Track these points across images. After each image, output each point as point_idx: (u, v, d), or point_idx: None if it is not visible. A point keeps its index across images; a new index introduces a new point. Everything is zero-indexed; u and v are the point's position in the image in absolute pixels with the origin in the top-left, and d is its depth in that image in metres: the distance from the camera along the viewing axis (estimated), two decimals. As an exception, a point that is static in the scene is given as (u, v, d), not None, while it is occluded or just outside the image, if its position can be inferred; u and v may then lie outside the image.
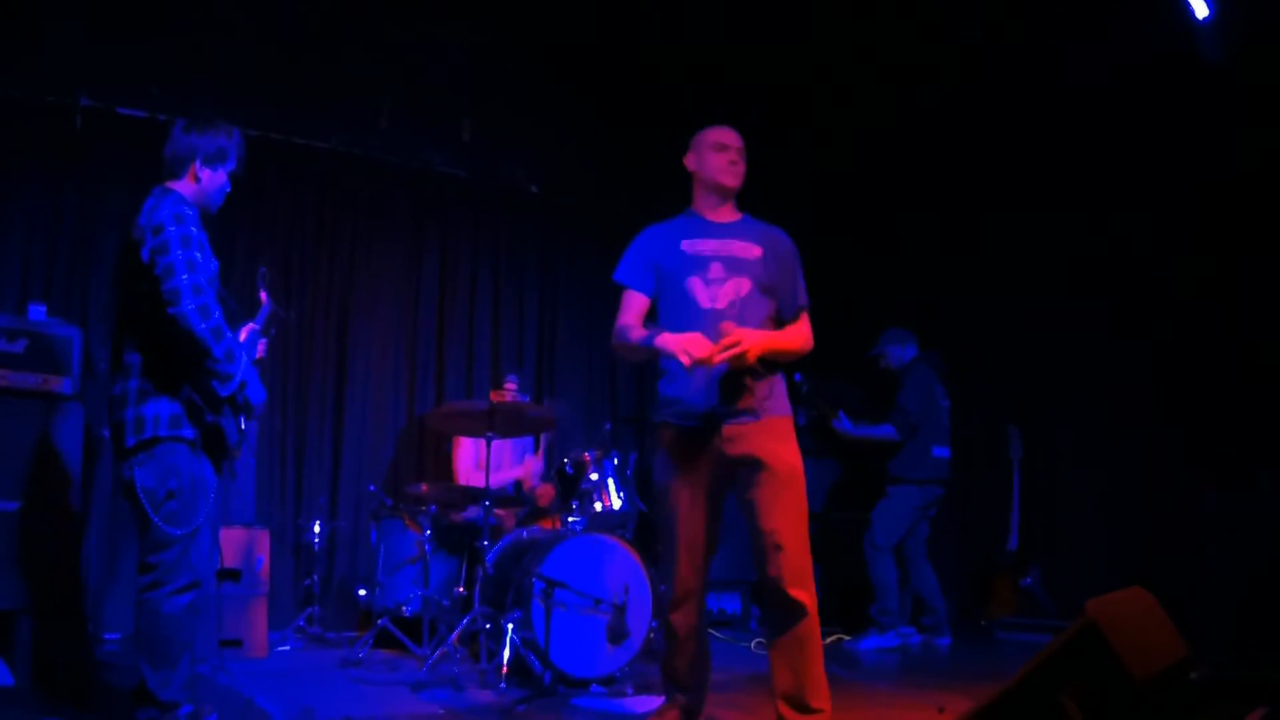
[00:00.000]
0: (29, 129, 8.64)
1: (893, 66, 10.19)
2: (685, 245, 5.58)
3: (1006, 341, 10.66)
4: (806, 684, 5.30)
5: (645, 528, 9.05)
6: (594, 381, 11.48)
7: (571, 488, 8.13)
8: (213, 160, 5.42)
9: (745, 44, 10.04)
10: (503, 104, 10.50)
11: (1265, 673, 6.45)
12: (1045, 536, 10.35)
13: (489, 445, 7.78)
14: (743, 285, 5.48)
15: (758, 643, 8.96)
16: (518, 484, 9.55)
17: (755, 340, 5.19)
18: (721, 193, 5.69)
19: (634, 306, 5.68)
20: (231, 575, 7.73)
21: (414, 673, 7.19)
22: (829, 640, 9.45)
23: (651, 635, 7.59)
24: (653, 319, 5.68)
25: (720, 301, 5.43)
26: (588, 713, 6.46)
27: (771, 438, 5.41)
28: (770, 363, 5.43)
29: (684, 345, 5.11)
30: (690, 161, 5.80)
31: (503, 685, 6.76)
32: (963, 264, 11.00)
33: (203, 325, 4.86)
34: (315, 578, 8.86)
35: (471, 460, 9.39)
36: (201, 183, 5.40)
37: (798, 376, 9.95)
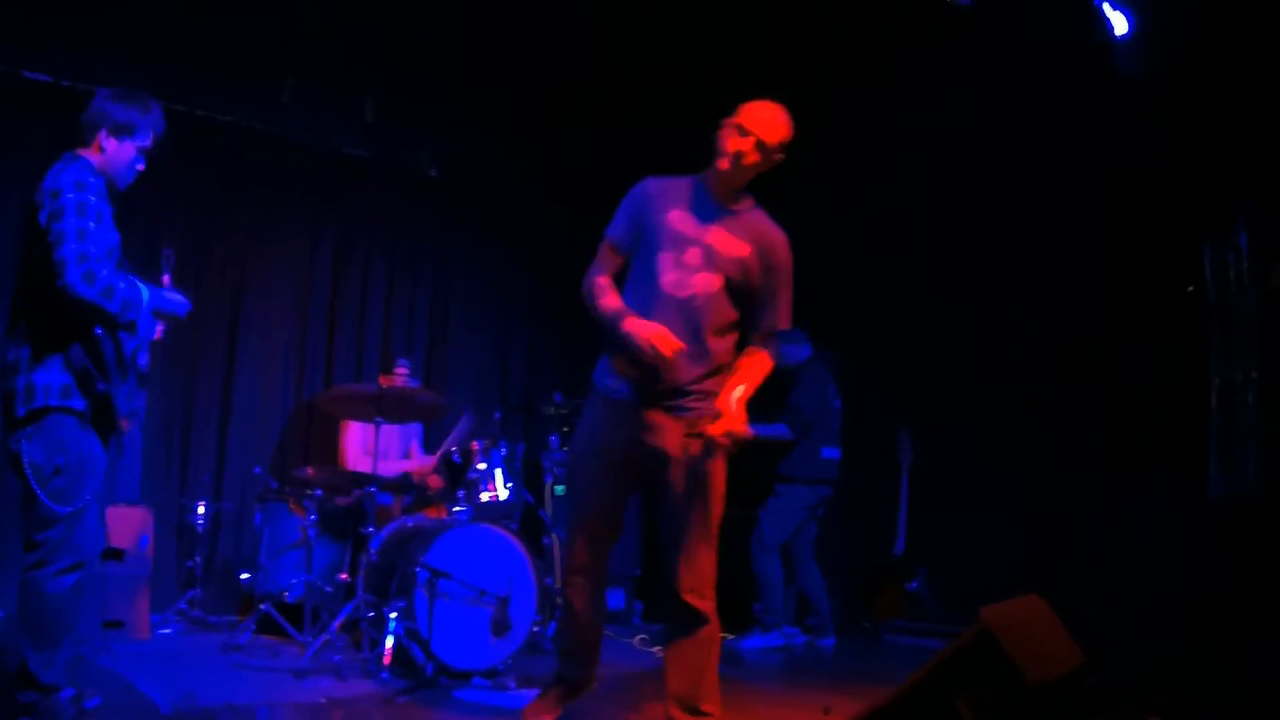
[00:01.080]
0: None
1: (800, 67, 10.23)
2: (674, 215, 5.39)
3: (898, 345, 10.72)
4: (700, 688, 5.30)
5: (532, 519, 9.07)
6: (484, 371, 11.43)
7: (459, 477, 8.12)
8: (119, 131, 5.32)
9: (656, 42, 10.06)
10: (409, 85, 10.44)
11: (1156, 680, 6.58)
12: (932, 541, 10.43)
13: (378, 430, 7.75)
14: (714, 282, 5.30)
15: (640, 639, 9.01)
16: (406, 474, 9.49)
17: (741, 426, 5.11)
18: (721, 177, 5.44)
19: (609, 262, 5.52)
20: (115, 555, 7.62)
21: (296, 660, 7.14)
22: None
23: (535, 629, 7.61)
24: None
25: (684, 291, 5.26)
26: (470, 705, 6.49)
27: (692, 435, 5.28)
28: (708, 373, 5.35)
29: (651, 340, 5.00)
30: (727, 133, 5.41)
31: (385, 675, 6.75)
32: (858, 268, 11.05)
33: (90, 291, 4.77)
34: (198, 559, 8.78)
35: (359, 445, 9.31)
36: (107, 153, 5.30)
37: None
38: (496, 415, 9.00)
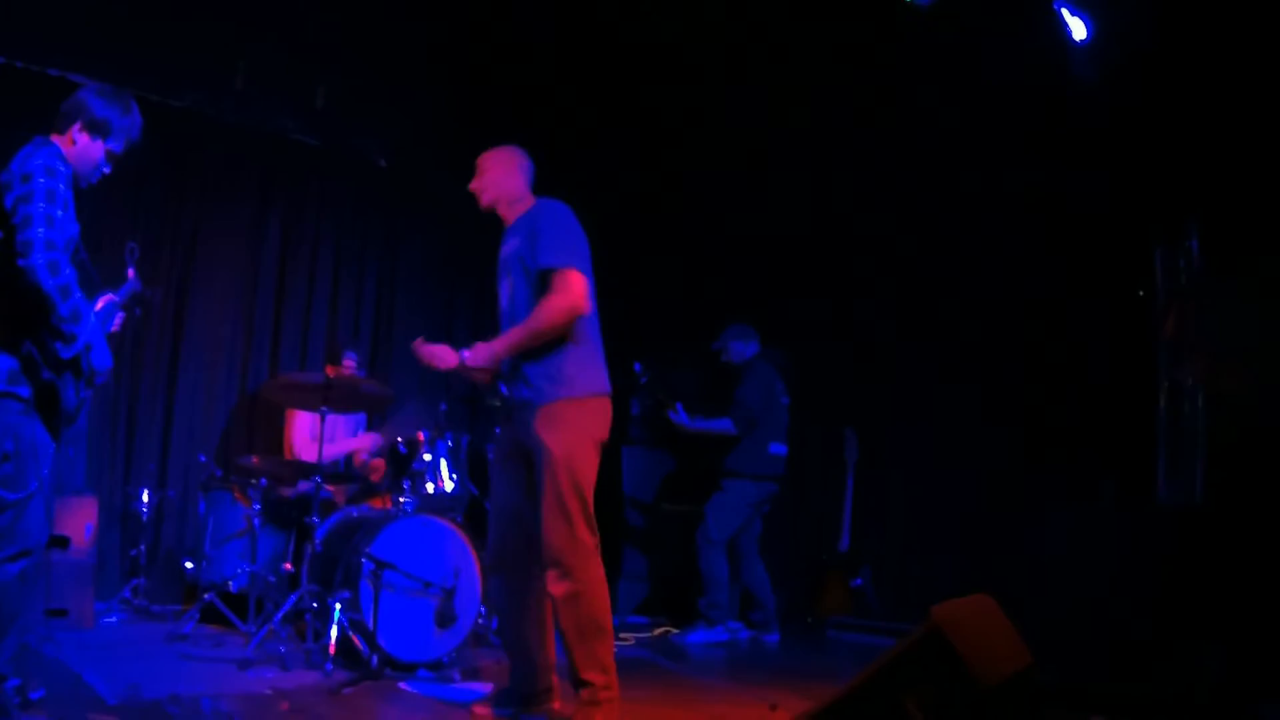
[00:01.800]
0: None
1: (764, 68, 10.27)
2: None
3: (846, 344, 10.78)
4: (575, 659, 5.47)
5: (477, 511, 9.05)
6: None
7: (404, 468, 8.10)
8: (93, 128, 5.27)
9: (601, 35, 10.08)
10: (361, 75, 10.42)
11: (1100, 682, 6.63)
12: (877, 538, 10.48)
13: (323, 420, 7.73)
14: (509, 283, 5.83)
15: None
16: (349, 458, 9.47)
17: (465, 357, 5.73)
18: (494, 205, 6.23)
19: None
20: (59, 542, 7.57)
21: (240, 650, 7.11)
22: (657, 632, 9.54)
23: (480, 621, 7.61)
24: None
25: (504, 301, 5.85)
26: (414, 697, 6.46)
27: (540, 423, 5.57)
28: (531, 352, 5.64)
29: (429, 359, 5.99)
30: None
31: (329, 666, 6.73)
32: (808, 265, 11.10)
33: (51, 281, 4.71)
34: (142, 548, 8.75)
35: (306, 433, 9.26)
36: (77, 146, 5.24)
37: (637, 366, 10.01)
38: (442, 406, 8.99)
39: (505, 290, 5.84)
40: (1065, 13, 8.59)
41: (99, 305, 5.41)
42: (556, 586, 5.45)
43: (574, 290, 5.58)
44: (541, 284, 5.63)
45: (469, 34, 10.23)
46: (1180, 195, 8.54)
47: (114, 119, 5.32)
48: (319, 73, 10.27)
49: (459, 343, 11.17)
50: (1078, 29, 8.57)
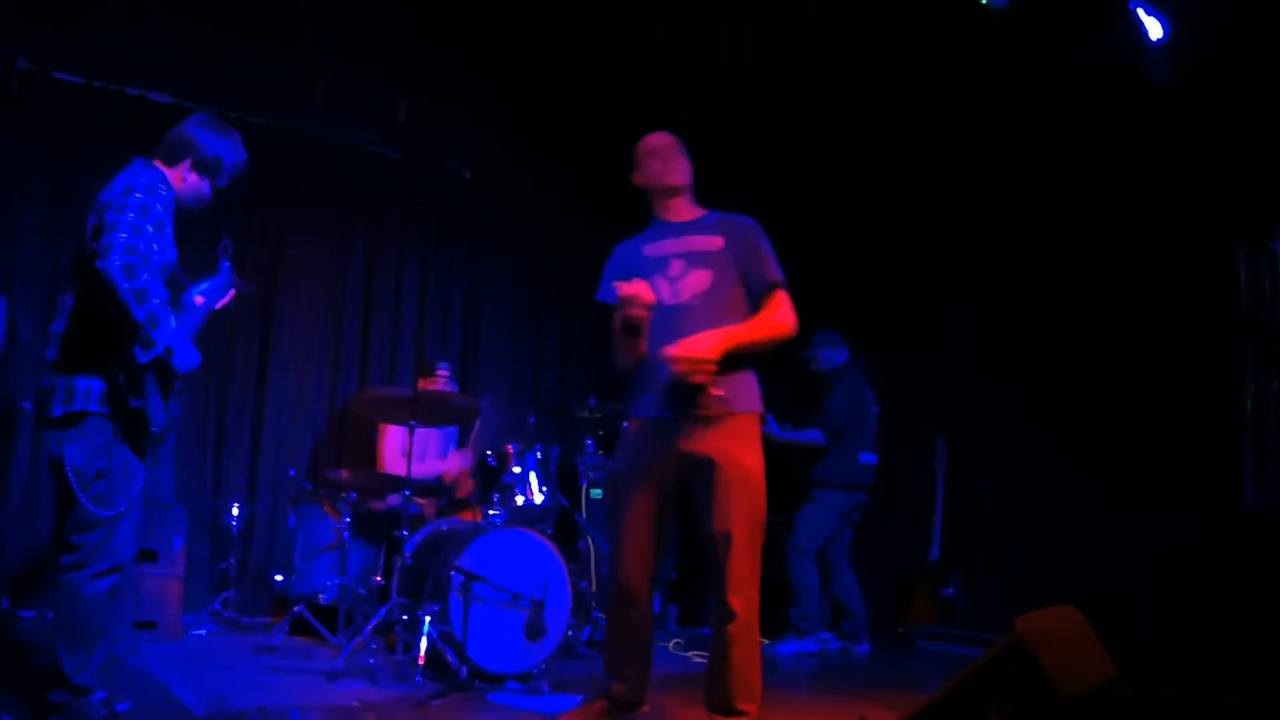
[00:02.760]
0: (-40, 89, 8.45)
1: (858, 63, 10.20)
2: (648, 249, 5.76)
3: (935, 352, 10.68)
4: (733, 686, 5.32)
5: (566, 523, 9.03)
6: (518, 373, 11.40)
7: (493, 480, 8.09)
8: (201, 168, 5.36)
9: (687, 41, 10.03)
10: (440, 88, 10.44)
11: (1183, 691, 6.51)
12: (967, 547, 10.37)
13: (411, 434, 7.72)
14: (704, 278, 5.57)
15: (675, 643, 8.99)
16: (440, 475, 9.46)
17: (703, 351, 5.24)
18: (669, 193, 5.83)
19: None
20: (149, 556, 7.61)
21: (329, 662, 7.14)
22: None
23: (569, 633, 7.57)
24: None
25: (683, 295, 5.55)
26: (503, 709, 6.44)
27: (729, 437, 5.41)
28: (740, 357, 5.45)
29: (629, 292, 5.27)
30: (638, 179, 5.92)
31: (418, 678, 6.72)
32: (896, 274, 11.02)
33: (126, 284, 4.71)
34: (232, 561, 8.77)
35: (398, 448, 9.28)
36: (186, 183, 5.33)
37: None
38: (531, 419, 8.97)
39: (695, 284, 5.60)
40: (1141, 12, 8.47)
41: (198, 299, 5.42)
42: (742, 607, 5.33)
43: (793, 312, 5.66)
44: (754, 295, 5.64)
45: (551, 44, 10.20)
46: (1264, 195, 8.42)
47: (225, 158, 5.42)
48: (400, 87, 10.28)
49: (546, 354, 11.24)
50: (1154, 29, 8.44)
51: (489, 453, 8.20)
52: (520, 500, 7.98)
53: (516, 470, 8.08)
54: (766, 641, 9.21)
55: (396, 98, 10.32)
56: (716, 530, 5.32)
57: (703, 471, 5.39)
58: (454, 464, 9.49)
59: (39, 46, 8.55)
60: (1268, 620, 7.27)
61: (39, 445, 8.41)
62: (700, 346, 5.25)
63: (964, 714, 4.12)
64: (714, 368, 5.23)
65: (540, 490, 8.08)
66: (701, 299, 5.52)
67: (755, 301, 5.61)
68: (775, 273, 5.64)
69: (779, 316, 5.59)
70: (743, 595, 5.31)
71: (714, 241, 5.66)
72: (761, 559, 5.42)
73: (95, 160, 8.59)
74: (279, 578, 8.53)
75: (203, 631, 8.27)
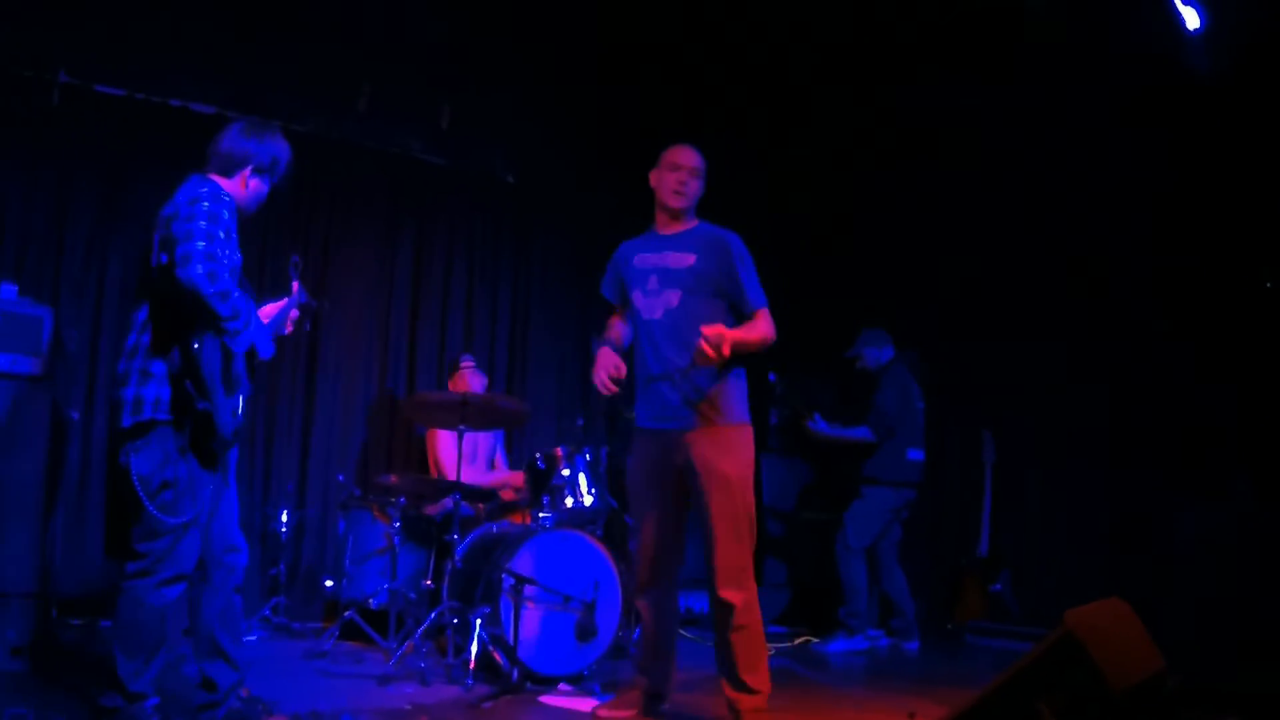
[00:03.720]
0: (4, 104, 8.46)
1: (889, 70, 10.17)
2: (636, 260, 6.15)
3: (982, 346, 10.65)
4: (741, 666, 5.72)
5: (616, 524, 9.02)
6: (566, 376, 11.39)
7: (543, 483, 8.08)
8: (264, 171, 5.48)
9: (730, 43, 10.01)
10: (483, 92, 10.42)
11: (1235, 682, 6.46)
12: (1015, 542, 10.33)
13: (460, 438, 7.72)
14: (673, 297, 5.91)
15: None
16: (491, 486, 9.45)
17: (723, 339, 5.45)
18: (668, 212, 6.12)
19: (613, 317, 6.32)
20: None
21: (380, 666, 7.16)
22: (797, 641, 9.45)
23: (620, 634, 7.56)
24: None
25: (656, 312, 5.93)
26: (555, 710, 6.44)
27: (711, 447, 5.81)
28: (731, 367, 5.83)
29: (596, 372, 5.93)
30: (652, 178, 6.15)
31: (470, 681, 6.73)
32: (942, 269, 10.98)
33: (210, 288, 4.79)
34: (282, 566, 8.80)
35: (451, 452, 9.28)
36: (249, 189, 5.44)
37: (771, 376, 9.94)
38: (579, 421, 8.97)
39: (665, 301, 5.94)
40: (1178, 2, 8.42)
41: (270, 309, 5.53)
42: (735, 595, 5.66)
43: (773, 326, 5.93)
44: (735, 311, 5.94)
45: (593, 47, 10.19)
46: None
47: (281, 156, 5.55)
48: (442, 92, 10.29)
49: (589, 356, 11.26)
50: (1191, 18, 8.40)
51: (538, 455, 8.20)
52: (570, 502, 7.96)
53: (566, 472, 8.06)
54: (816, 640, 9.22)
55: (439, 103, 10.33)
56: (703, 533, 5.74)
57: (693, 479, 5.83)
58: (504, 478, 9.47)
59: (80, 60, 8.61)
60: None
61: (89, 455, 8.47)
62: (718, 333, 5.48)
63: (1015, 708, 4.12)
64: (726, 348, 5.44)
65: (589, 492, 8.06)
66: (672, 315, 5.87)
67: (738, 317, 5.93)
68: (754, 298, 5.94)
69: (762, 326, 5.88)
70: (732, 587, 5.71)
71: (685, 259, 5.94)
72: (754, 553, 5.86)
73: (139, 172, 8.67)
74: (329, 583, 8.55)
75: (253, 637, 8.24)
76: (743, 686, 5.71)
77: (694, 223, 6.11)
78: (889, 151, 11.10)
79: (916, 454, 9.67)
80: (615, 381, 5.84)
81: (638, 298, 6.05)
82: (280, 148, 5.54)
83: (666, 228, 6.11)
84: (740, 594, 5.68)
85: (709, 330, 5.41)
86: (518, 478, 9.30)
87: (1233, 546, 8.07)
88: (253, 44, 9.07)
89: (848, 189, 11.39)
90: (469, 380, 9.31)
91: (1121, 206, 9.62)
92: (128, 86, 8.86)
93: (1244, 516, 8.11)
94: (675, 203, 6.01)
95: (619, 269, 6.26)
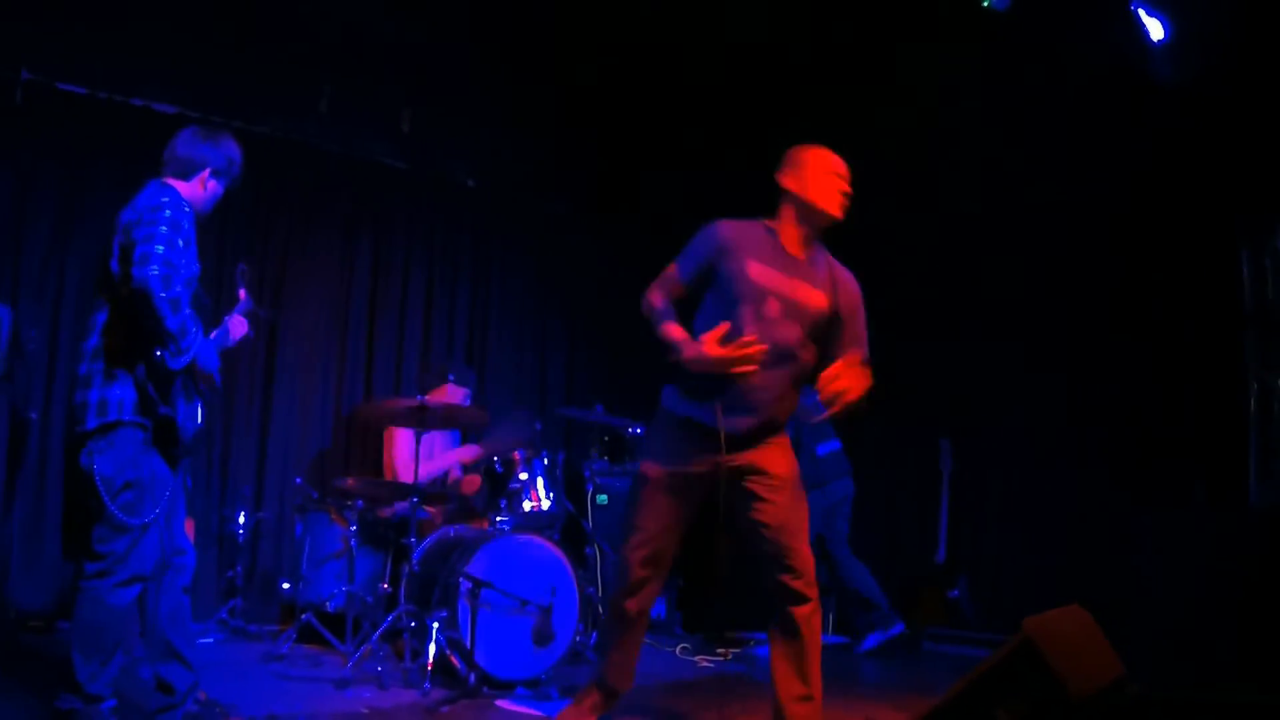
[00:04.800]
0: (-37, 101, 8.45)
1: (837, 82, 10.20)
2: (753, 268, 5.41)
3: (939, 354, 10.69)
4: (811, 679, 5.43)
5: (573, 529, 9.05)
6: (524, 380, 11.40)
7: (500, 486, 8.10)
8: (221, 173, 5.60)
9: (688, 51, 10.03)
10: (444, 96, 10.44)
11: (1195, 690, 6.52)
12: (973, 548, 10.39)
13: (418, 440, 7.72)
14: (793, 333, 5.38)
15: (683, 648, 8.99)
16: (445, 476, 9.43)
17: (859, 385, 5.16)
18: (824, 222, 5.54)
19: (670, 287, 5.56)
20: (157, 564, 7.65)
21: (338, 670, 7.14)
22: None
23: (578, 638, 7.56)
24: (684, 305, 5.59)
25: (766, 340, 5.23)
26: (513, 715, 6.44)
27: (776, 447, 5.51)
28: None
29: (714, 362, 5.16)
30: (791, 180, 5.56)
31: (427, 685, 6.71)
32: (897, 273, 11.02)
33: (162, 293, 4.85)
34: (239, 569, 8.78)
35: (408, 453, 9.25)
36: (206, 190, 5.55)
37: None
38: (537, 426, 8.99)
39: (783, 334, 5.36)
40: (1142, 13, 8.49)
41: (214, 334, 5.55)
42: (810, 599, 5.43)
43: None
44: (832, 351, 5.51)
45: (551, 54, 10.20)
46: (1266, 193, 8.46)
47: (235, 157, 5.68)
48: (403, 96, 10.29)
49: (552, 361, 11.23)
50: (1155, 30, 8.46)
51: (496, 459, 8.21)
52: (527, 506, 8.00)
53: (523, 476, 8.10)
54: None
55: (400, 106, 10.33)
56: (784, 529, 5.40)
57: (756, 478, 5.43)
58: (464, 454, 9.44)
59: (43, 58, 8.57)
60: (1271, 617, 7.30)
61: (46, 456, 8.44)
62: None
63: (973, 715, 4.15)
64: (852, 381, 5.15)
65: (547, 496, 8.09)
66: (777, 353, 5.30)
67: (821, 365, 5.39)
68: (867, 349, 5.59)
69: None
70: (815, 586, 5.45)
71: (818, 298, 5.47)
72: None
73: (100, 171, 8.66)
74: (286, 585, 8.54)
75: (210, 640, 8.25)
76: (809, 700, 5.42)
77: (818, 248, 5.62)
78: (846, 152, 11.12)
79: (827, 447, 9.75)
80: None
81: (746, 315, 5.31)
82: (234, 150, 5.66)
83: (798, 246, 5.54)
84: (816, 592, 5.46)
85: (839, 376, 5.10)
86: (468, 452, 9.30)
87: (1192, 553, 8.14)
88: (214, 45, 9.05)
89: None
90: (449, 395, 9.28)
91: (1079, 212, 9.67)
92: (90, 85, 8.83)
93: (1203, 522, 8.18)
94: (840, 212, 5.52)
95: (718, 261, 5.46)
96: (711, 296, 5.49)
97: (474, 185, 11.11)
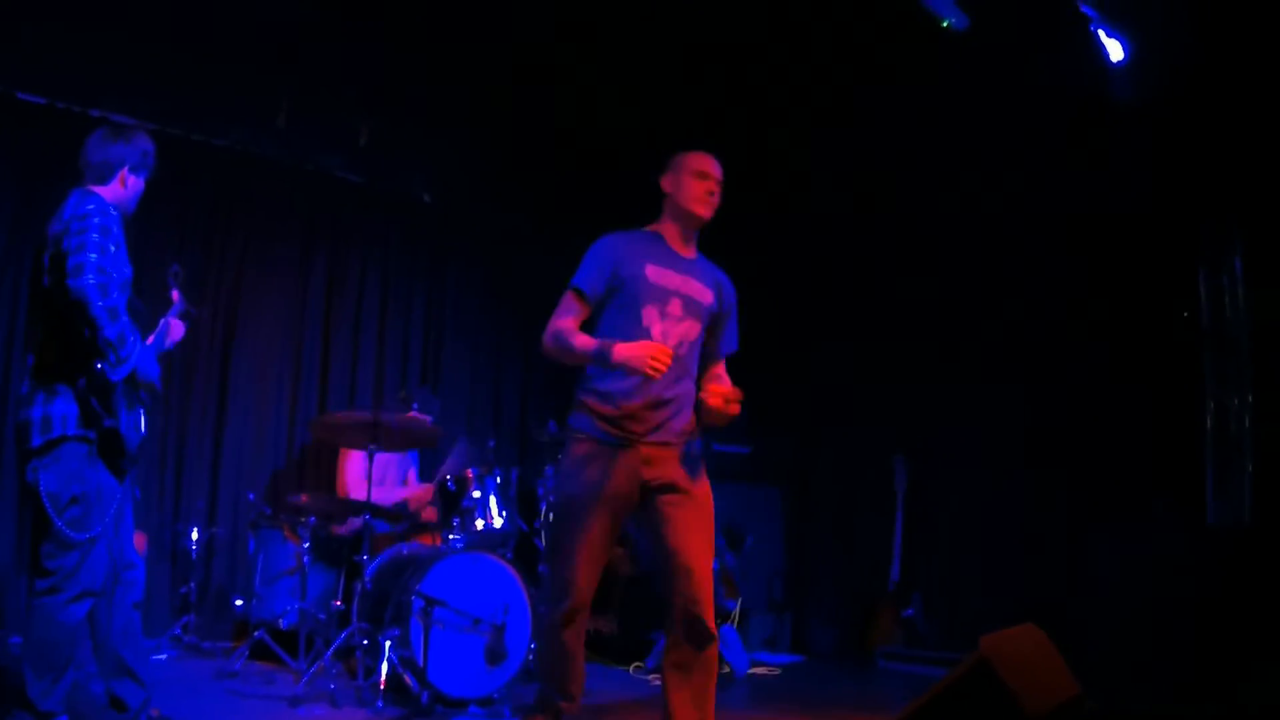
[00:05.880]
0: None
1: (805, 106, 10.25)
2: (651, 271, 5.55)
3: (894, 373, 10.74)
4: (707, 708, 5.34)
5: (526, 547, 9.04)
6: (478, 397, 11.39)
7: (453, 505, 8.09)
8: (139, 168, 5.57)
9: (646, 69, 10.06)
10: (402, 112, 10.42)
11: (1151, 708, 6.58)
12: (928, 567, 10.43)
13: (371, 459, 7.73)
14: (693, 329, 5.58)
15: (636, 666, 8.99)
16: (403, 502, 9.43)
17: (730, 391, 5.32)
18: (694, 223, 5.69)
19: (576, 311, 5.57)
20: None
21: (290, 687, 7.13)
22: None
23: (530, 657, 7.57)
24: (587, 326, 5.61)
25: (671, 339, 5.44)
26: (465, 733, 6.45)
27: (699, 465, 5.54)
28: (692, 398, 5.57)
29: (647, 357, 5.08)
30: (667, 183, 5.73)
31: (380, 703, 6.73)
32: (855, 296, 11.07)
33: (100, 302, 4.87)
34: (192, 585, 8.76)
35: (360, 473, 9.22)
36: (127, 188, 5.53)
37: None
38: (490, 443, 8.98)
39: (685, 331, 5.55)
40: (1102, 34, 8.55)
41: (151, 339, 5.53)
42: (713, 626, 5.36)
43: None
44: (708, 355, 5.77)
45: (511, 68, 10.20)
46: (1224, 215, 8.54)
47: (148, 149, 5.66)
48: (361, 110, 10.27)
49: (506, 377, 11.23)
50: (1115, 51, 8.53)
51: (449, 478, 8.20)
52: (480, 524, 7.97)
53: (476, 495, 8.06)
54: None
55: (358, 122, 10.31)
56: (686, 554, 5.36)
57: (667, 495, 5.42)
58: (414, 492, 9.45)
59: (2, 67, 8.54)
60: (1228, 636, 7.36)
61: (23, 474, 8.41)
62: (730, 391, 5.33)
63: (929, 733, 4.17)
64: (731, 399, 5.30)
65: (500, 514, 8.07)
66: (685, 348, 5.53)
67: (706, 357, 5.75)
68: (736, 344, 5.84)
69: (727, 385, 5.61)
70: (711, 615, 5.35)
71: (707, 295, 5.67)
72: None
73: (57, 181, 8.56)
74: (239, 602, 8.52)
75: (163, 656, 8.22)
76: None
77: (696, 251, 5.81)
78: (803, 182, 11.17)
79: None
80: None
81: (650, 315, 5.49)
82: (146, 143, 5.66)
83: (683, 247, 5.72)
84: (712, 619, 5.38)
85: (730, 393, 5.30)
86: (426, 491, 9.30)
87: (1148, 572, 8.20)
88: (174, 57, 9.01)
89: (764, 221, 11.45)
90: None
91: (1037, 230, 9.73)
92: (49, 95, 8.82)
93: (1159, 541, 8.24)
94: (705, 211, 5.63)
95: (618, 269, 5.56)
96: (612, 307, 5.59)
97: (430, 201, 11.13)
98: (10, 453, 8.29)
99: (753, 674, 9.29)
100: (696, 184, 5.63)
